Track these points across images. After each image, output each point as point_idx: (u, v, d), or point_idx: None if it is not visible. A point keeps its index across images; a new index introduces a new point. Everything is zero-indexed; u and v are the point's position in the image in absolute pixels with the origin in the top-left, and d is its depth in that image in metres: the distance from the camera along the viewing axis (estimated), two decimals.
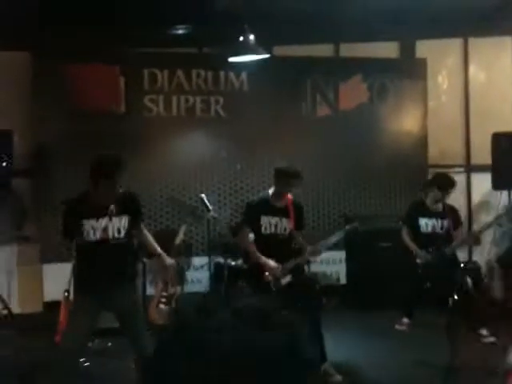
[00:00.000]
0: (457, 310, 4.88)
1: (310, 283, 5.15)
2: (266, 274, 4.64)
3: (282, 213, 4.76)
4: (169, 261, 4.18)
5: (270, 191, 4.82)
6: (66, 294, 5.23)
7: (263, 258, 4.67)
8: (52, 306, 5.78)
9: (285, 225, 4.76)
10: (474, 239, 5.69)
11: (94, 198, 3.91)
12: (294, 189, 4.77)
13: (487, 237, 6.77)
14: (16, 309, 6.19)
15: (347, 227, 5.07)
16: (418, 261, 5.51)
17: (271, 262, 4.66)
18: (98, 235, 3.87)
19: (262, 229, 4.74)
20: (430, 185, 5.84)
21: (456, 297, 5.09)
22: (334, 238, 4.89)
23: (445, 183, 5.65)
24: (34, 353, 5.08)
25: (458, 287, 5.19)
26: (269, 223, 4.75)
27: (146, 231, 4.21)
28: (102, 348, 5.12)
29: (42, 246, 6.31)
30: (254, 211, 4.78)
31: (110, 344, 5.19)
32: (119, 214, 3.91)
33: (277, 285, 4.63)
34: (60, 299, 5.36)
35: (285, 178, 4.70)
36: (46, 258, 6.31)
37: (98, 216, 3.87)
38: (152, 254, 4.32)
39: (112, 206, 3.88)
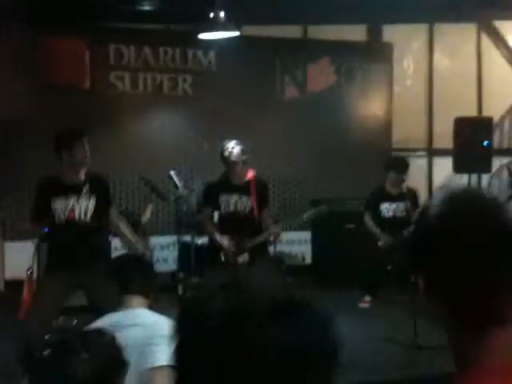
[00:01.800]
0: (417, 289, 5.02)
1: (270, 263, 5.17)
2: (222, 253, 4.67)
3: (242, 190, 4.73)
4: (143, 248, 4.17)
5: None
6: (29, 272, 5.16)
7: (218, 236, 4.70)
8: (14, 285, 5.66)
9: (245, 202, 4.74)
10: None
11: (63, 176, 3.87)
12: (245, 169, 4.73)
13: None
14: None
15: (313, 210, 5.10)
16: (380, 244, 5.65)
17: (225, 240, 4.68)
18: (66, 215, 3.84)
19: (222, 207, 4.75)
20: (385, 169, 5.95)
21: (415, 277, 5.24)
22: (300, 219, 4.95)
23: (398, 166, 5.80)
24: None
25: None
26: (227, 201, 4.75)
27: (119, 221, 4.17)
28: (67, 325, 5.06)
29: (3, 224, 6.17)
30: (213, 190, 4.80)
31: (75, 322, 5.13)
32: (88, 194, 3.89)
33: (233, 263, 4.63)
34: (21, 278, 5.28)
35: (228, 161, 4.68)
36: (7, 235, 6.17)
37: (66, 195, 3.84)
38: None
39: (81, 186, 3.87)
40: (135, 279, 2.80)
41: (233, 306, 0.83)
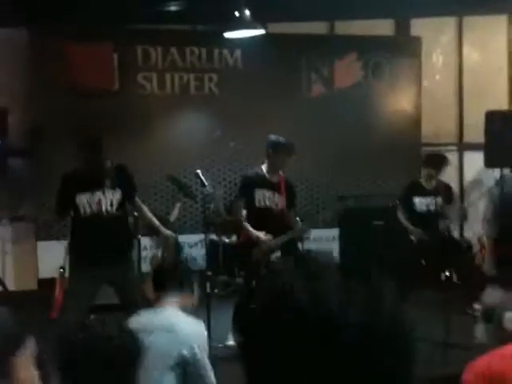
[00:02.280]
0: (451, 285, 4.96)
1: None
2: (256, 249, 4.64)
3: (276, 188, 4.76)
4: (167, 232, 4.24)
5: (264, 165, 4.79)
6: (61, 270, 5.27)
7: (254, 232, 4.67)
8: (46, 283, 5.78)
9: (277, 200, 4.75)
10: (463, 214, 5.80)
11: (87, 172, 3.93)
12: (287, 163, 4.74)
13: (477, 213, 6.86)
14: (11, 286, 6.20)
15: (337, 206, 5.09)
16: (412, 238, 5.58)
17: (261, 235, 4.65)
18: (93, 208, 3.89)
19: (256, 202, 4.72)
20: (422, 164, 5.92)
21: (449, 273, 5.17)
22: (323, 216, 4.96)
23: (437, 161, 5.76)
24: (31, 328, 5.10)
25: (453, 263, 5.28)
26: (263, 196, 4.74)
27: (142, 205, 4.25)
28: (98, 324, 5.14)
29: (37, 224, 6.30)
30: (249, 184, 4.77)
31: (106, 320, 5.21)
32: (112, 187, 3.94)
33: (266, 259, 4.62)
34: (54, 276, 5.39)
35: (282, 152, 4.66)
36: (40, 235, 6.31)
37: (91, 190, 3.91)
38: (150, 229, 4.37)
39: (104, 180, 3.93)
40: (171, 279, 2.82)
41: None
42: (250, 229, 4.69)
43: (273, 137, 4.72)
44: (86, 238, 3.99)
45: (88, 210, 3.93)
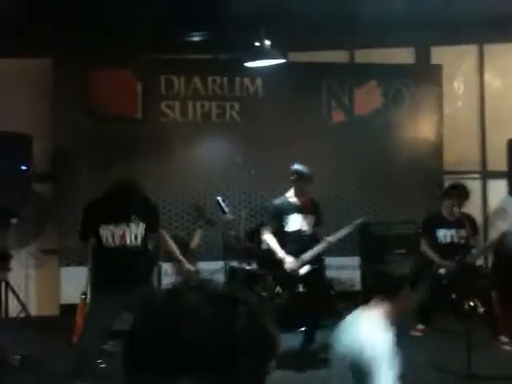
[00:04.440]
0: (476, 316, 4.87)
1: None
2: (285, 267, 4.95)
3: (304, 210, 5.12)
4: (188, 266, 4.28)
5: (290, 192, 5.17)
6: (83, 296, 5.32)
7: (280, 252, 4.99)
8: (69, 309, 5.83)
9: (307, 221, 5.13)
10: (490, 248, 5.73)
11: (113, 203, 3.99)
12: (309, 189, 5.17)
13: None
14: (33, 311, 6.25)
15: (354, 222, 5.29)
16: (441, 271, 5.50)
17: (288, 257, 4.97)
18: (116, 241, 3.95)
19: (287, 226, 5.08)
20: (444, 195, 5.87)
21: (476, 304, 5.09)
22: (342, 232, 5.20)
23: (459, 194, 5.70)
24: (52, 353, 5.13)
25: (481, 295, 5.20)
26: (294, 221, 5.10)
27: (167, 237, 4.31)
28: (116, 350, 5.14)
29: (60, 250, 6.38)
30: (279, 210, 5.12)
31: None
32: (137, 221, 3.99)
33: (295, 274, 4.95)
34: (76, 302, 5.43)
35: (303, 178, 5.07)
36: (63, 261, 6.39)
37: (116, 222, 3.96)
38: (171, 258, 4.42)
39: (130, 214, 3.98)
40: None
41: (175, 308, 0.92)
42: (278, 250, 5.00)
43: (298, 165, 5.14)
44: (108, 267, 4.05)
45: (111, 241, 3.99)
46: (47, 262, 6.55)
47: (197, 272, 4.74)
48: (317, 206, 5.30)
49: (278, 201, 5.23)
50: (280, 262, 4.99)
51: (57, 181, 6.50)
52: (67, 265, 6.34)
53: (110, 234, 3.97)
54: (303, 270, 5.01)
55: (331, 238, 5.12)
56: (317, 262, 5.18)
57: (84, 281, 5.37)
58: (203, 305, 0.91)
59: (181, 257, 4.32)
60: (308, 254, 5.02)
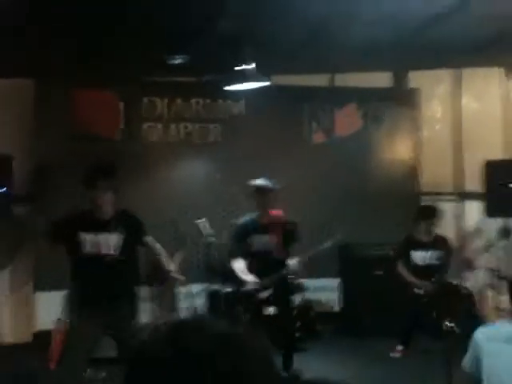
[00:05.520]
0: (456, 335, 4.93)
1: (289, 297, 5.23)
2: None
3: (269, 230, 4.93)
4: (179, 275, 4.24)
5: (256, 211, 5.03)
6: (60, 322, 5.19)
7: (243, 275, 4.85)
8: (44, 336, 5.69)
9: (272, 241, 4.93)
10: (469, 264, 5.82)
11: (92, 211, 3.94)
12: (272, 203, 4.94)
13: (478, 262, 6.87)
14: (7, 338, 6.10)
15: (329, 241, 5.13)
16: (419, 291, 5.58)
17: (250, 278, 4.83)
18: (94, 250, 3.90)
19: (251, 247, 4.92)
20: (416, 217, 5.96)
21: (450, 323, 5.16)
22: (313, 251, 5.02)
23: (429, 214, 5.82)
24: (28, 381, 5.03)
25: (459, 314, 5.27)
26: (255, 241, 4.93)
27: (154, 246, 4.21)
28: (96, 378, 5.05)
29: (36, 274, 6.25)
30: (242, 230, 4.96)
31: (104, 374, 5.12)
32: (115, 231, 3.94)
33: (257, 297, 4.79)
34: (52, 328, 5.31)
35: (257, 193, 4.94)
36: (39, 285, 6.24)
37: (94, 231, 3.90)
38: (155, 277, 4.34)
39: (109, 223, 3.93)
40: None
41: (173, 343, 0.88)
42: (241, 273, 4.86)
43: (257, 180, 5.02)
44: (89, 281, 3.93)
45: (90, 250, 3.91)
46: (22, 287, 6.40)
47: (185, 281, 4.63)
48: (288, 226, 5.04)
49: (242, 220, 5.09)
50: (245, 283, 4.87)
51: (36, 202, 6.41)
52: (42, 289, 6.18)
53: (87, 244, 3.90)
54: (266, 293, 4.84)
55: (292, 262, 4.89)
56: (283, 284, 4.99)
57: (60, 306, 5.24)
58: (208, 349, 0.87)
59: (168, 264, 4.20)
60: (270, 277, 4.85)
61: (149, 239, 4.19)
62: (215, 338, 0.89)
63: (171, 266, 4.22)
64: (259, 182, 4.95)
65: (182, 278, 4.31)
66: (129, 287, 4.09)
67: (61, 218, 4.04)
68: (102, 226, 3.94)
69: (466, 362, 2.64)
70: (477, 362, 2.53)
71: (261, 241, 4.95)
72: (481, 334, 2.61)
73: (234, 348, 0.90)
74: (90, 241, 3.91)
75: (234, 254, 4.99)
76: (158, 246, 4.24)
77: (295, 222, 5.14)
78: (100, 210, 3.97)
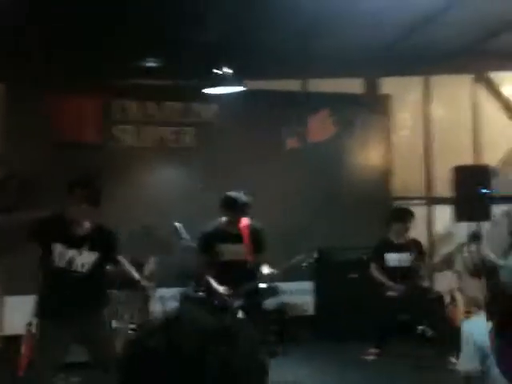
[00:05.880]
0: (428, 338, 5.02)
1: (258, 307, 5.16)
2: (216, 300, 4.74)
3: (237, 239, 4.84)
4: (148, 284, 4.23)
5: (223, 218, 4.91)
6: (29, 326, 5.09)
7: (215, 286, 4.79)
8: (12, 341, 5.57)
9: (240, 250, 4.83)
10: (440, 266, 5.94)
11: (69, 223, 3.87)
12: (244, 213, 4.85)
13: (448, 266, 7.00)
14: None
15: (303, 255, 5.05)
16: (391, 293, 5.65)
17: (221, 289, 4.76)
18: (65, 264, 3.83)
19: (218, 256, 4.84)
20: (389, 219, 6.05)
21: (422, 327, 5.25)
22: (286, 266, 4.92)
23: (403, 216, 5.91)
24: None
25: (431, 316, 5.36)
26: (223, 250, 4.85)
27: (122, 260, 4.20)
28: (68, 383, 4.98)
29: (3, 278, 6.13)
30: (209, 239, 4.87)
31: (76, 379, 5.04)
32: (88, 248, 3.88)
33: (227, 307, 4.69)
34: (21, 333, 5.20)
35: (233, 206, 4.80)
36: (7, 290, 6.13)
37: (67, 244, 3.83)
38: (126, 283, 4.32)
39: (84, 239, 3.87)
40: None
41: (169, 339, 0.89)
42: (212, 283, 4.80)
43: (227, 194, 4.88)
44: (55, 294, 3.87)
45: (60, 263, 3.82)
46: None
47: (153, 287, 4.61)
48: (257, 233, 4.91)
49: (207, 228, 4.95)
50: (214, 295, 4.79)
51: (11, 209, 6.27)
52: (10, 293, 6.07)
53: (58, 255, 3.83)
54: (237, 303, 4.74)
55: (267, 271, 4.80)
56: (255, 291, 4.89)
57: (28, 310, 5.15)
58: (201, 341, 0.88)
59: (136, 274, 4.23)
60: (242, 287, 4.75)
61: (120, 257, 4.16)
62: (207, 331, 0.90)
63: (137, 275, 4.26)
64: (232, 195, 4.85)
65: (151, 285, 4.33)
66: (96, 301, 4.02)
67: (42, 218, 3.93)
68: (76, 241, 3.86)
69: (466, 362, 2.48)
70: (483, 356, 2.38)
71: (231, 250, 4.86)
72: (476, 329, 2.47)
73: (226, 340, 0.90)
74: (62, 254, 3.83)
75: (202, 264, 4.93)
76: (123, 260, 4.22)
77: (260, 229, 5.01)
78: (76, 224, 3.88)
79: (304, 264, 5.07)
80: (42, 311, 3.98)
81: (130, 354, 0.92)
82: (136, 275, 4.24)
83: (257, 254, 4.90)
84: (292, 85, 7.47)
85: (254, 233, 4.91)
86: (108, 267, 4.11)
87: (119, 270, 4.18)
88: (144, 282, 4.26)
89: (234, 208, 4.78)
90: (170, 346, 0.88)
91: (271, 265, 4.96)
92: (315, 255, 5.16)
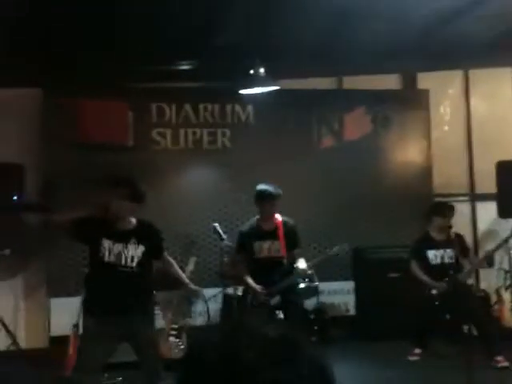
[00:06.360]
0: (473, 337, 4.87)
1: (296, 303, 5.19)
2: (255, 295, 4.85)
3: (272, 235, 4.95)
4: (196, 287, 4.34)
5: (258, 216, 5.07)
6: (75, 327, 5.21)
7: (252, 285, 4.88)
8: (59, 341, 5.71)
9: (276, 247, 4.93)
10: (483, 262, 5.78)
11: (114, 221, 3.93)
12: (275, 208, 4.95)
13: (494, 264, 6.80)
14: (23, 344, 6.11)
15: (335, 248, 5.09)
16: (434, 292, 5.50)
17: (257, 286, 4.85)
18: (113, 259, 3.88)
19: (256, 253, 4.93)
20: (430, 214, 5.89)
21: (468, 327, 5.09)
22: (320, 258, 5.09)
23: (444, 211, 5.73)
24: None
25: (476, 315, 5.20)
26: (260, 247, 4.94)
27: (170, 260, 4.25)
28: (112, 383, 5.05)
29: (49, 280, 6.27)
30: (245, 238, 5.00)
31: (120, 379, 5.11)
32: (136, 242, 3.93)
33: (265, 305, 4.79)
34: (67, 334, 5.32)
35: (261, 200, 4.93)
36: (52, 292, 6.28)
37: (114, 240, 3.89)
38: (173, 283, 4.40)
39: (130, 234, 3.93)
40: None
41: (231, 349, 0.85)
42: (249, 282, 4.91)
43: (260, 186, 5.02)
44: (104, 291, 3.92)
45: (109, 258, 3.89)
46: (36, 293, 6.43)
47: (200, 293, 4.71)
48: (290, 229, 5.03)
49: (244, 227, 5.14)
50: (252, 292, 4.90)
51: (46, 211, 6.42)
52: (56, 295, 6.21)
53: (106, 251, 3.89)
54: (274, 301, 4.84)
55: (302, 265, 4.88)
56: (292, 288, 5.02)
57: (75, 311, 5.27)
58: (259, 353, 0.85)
59: (185, 277, 4.37)
60: (279, 284, 4.85)
61: (165, 254, 4.23)
62: (266, 342, 0.87)
63: (186, 278, 4.38)
64: (263, 187, 4.96)
65: (198, 289, 4.43)
66: (144, 299, 4.07)
67: (85, 217, 4.00)
68: (122, 236, 3.93)
69: None
70: None
71: (267, 247, 4.96)
72: None
73: (286, 352, 0.87)
74: (111, 249, 3.90)
75: (240, 262, 5.02)
76: (172, 260, 4.29)
77: (292, 225, 5.09)
78: (121, 219, 3.94)
79: (337, 254, 5.09)
80: (89, 310, 4.04)
81: (194, 360, 0.89)
82: (185, 278, 4.34)
83: (292, 250, 4.99)
84: (328, 83, 7.41)
85: (288, 229, 5.00)
86: (156, 265, 4.17)
87: (168, 269, 4.23)
88: (192, 286, 4.34)
89: (265, 198, 4.89)
90: (235, 358, 0.85)
91: (304, 261, 4.99)
92: (346, 248, 5.12)
